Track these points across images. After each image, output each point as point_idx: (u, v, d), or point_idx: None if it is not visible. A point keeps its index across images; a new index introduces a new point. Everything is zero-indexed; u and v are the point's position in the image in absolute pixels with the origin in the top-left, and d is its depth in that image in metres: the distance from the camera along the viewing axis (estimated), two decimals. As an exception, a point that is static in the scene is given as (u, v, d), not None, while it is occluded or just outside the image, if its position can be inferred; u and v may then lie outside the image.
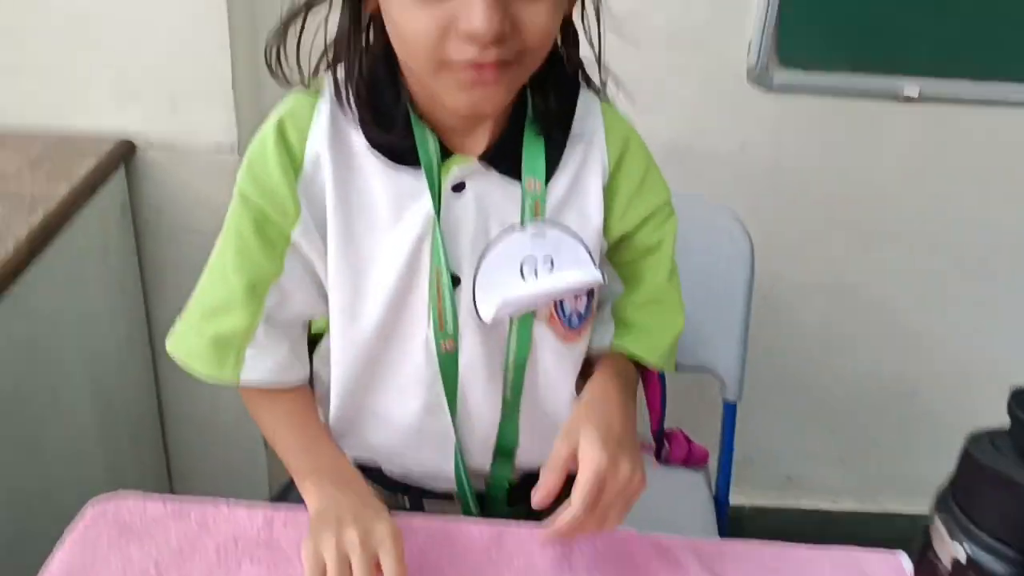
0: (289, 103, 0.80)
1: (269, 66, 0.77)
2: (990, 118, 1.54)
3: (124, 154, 1.39)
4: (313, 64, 0.79)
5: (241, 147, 1.42)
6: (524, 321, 0.82)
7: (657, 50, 1.45)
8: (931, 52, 1.47)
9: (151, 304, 1.54)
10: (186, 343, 0.83)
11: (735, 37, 1.48)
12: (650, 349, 0.89)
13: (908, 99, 1.50)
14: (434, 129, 0.77)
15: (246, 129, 1.45)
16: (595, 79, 0.85)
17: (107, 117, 1.39)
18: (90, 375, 1.35)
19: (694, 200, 1.16)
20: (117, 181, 1.38)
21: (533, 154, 0.79)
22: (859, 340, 1.77)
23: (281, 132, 0.77)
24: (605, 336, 0.89)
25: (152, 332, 1.56)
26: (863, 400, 1.83)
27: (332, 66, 0.78)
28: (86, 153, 1.32)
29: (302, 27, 0.75)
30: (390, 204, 0.78)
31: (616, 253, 0.88)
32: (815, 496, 1.94)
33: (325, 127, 0.77)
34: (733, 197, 1.42)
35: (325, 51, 0.78)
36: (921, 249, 1.68)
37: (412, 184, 0.77)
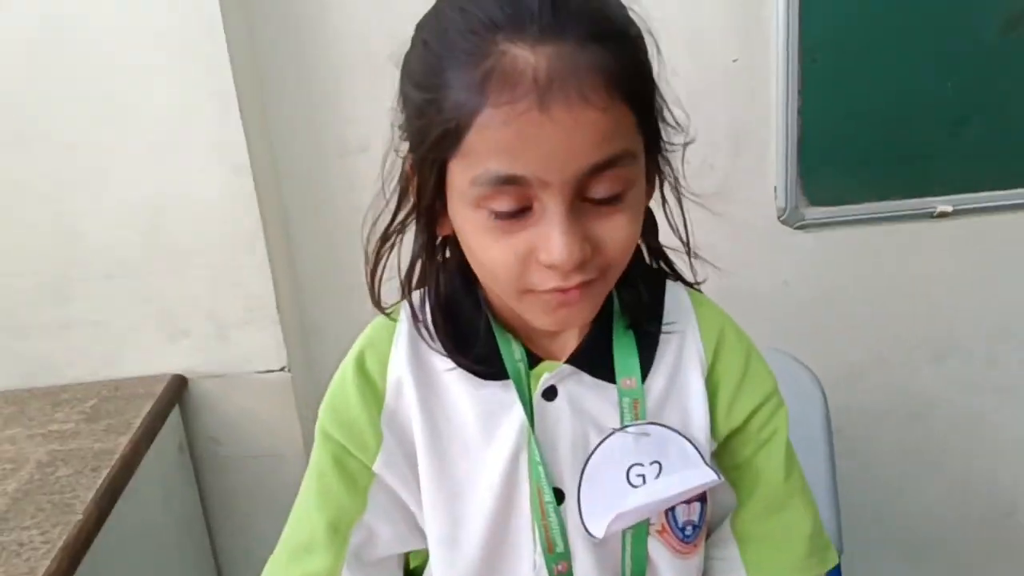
0: (369, 332, 0.79)
1: (376, 304, 0.77)
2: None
3: (177, 390, 1.39)
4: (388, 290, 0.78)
5: (292, 366, 1.42)
6: (638, 535, 0.76)
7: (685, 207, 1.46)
8: (956, 168, 1.47)
9: (215, 535, 1.51)
10: None
11: (760, 181, 1.49)
12: (781, 566, 0.80)
13: (943, 215, 1.50)
14: (518, 335, 0.75)
15: (295, 347, 1.46)
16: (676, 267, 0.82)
17: (157, 357, 1.40)
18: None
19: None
20: (173, 420, 1.37)
21: (625, 352, 0.76)
22: (943, 462, 1.70)
23: (360, 364, 0.76)
24: (728, 561, 0.82)
25: (219, 564, 1.52)
26: (959, 524, 1.74)
27: (407, 290, 0.77)
28: (141, 396, 1.33)
29: (377, 258, 0.75)
30: (480, 421, 0.75)
31: (725, 455, 0.82)
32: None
33: (405, 351, 0.76)
34: (783, 337, 1.39)
35: (405, 278, 0.77)
36: (985, 356, 1.63)
37: (501, 397, 0.74)
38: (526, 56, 0.57)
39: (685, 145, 0.73)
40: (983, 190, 1.49)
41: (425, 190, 0.66)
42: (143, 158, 1.31)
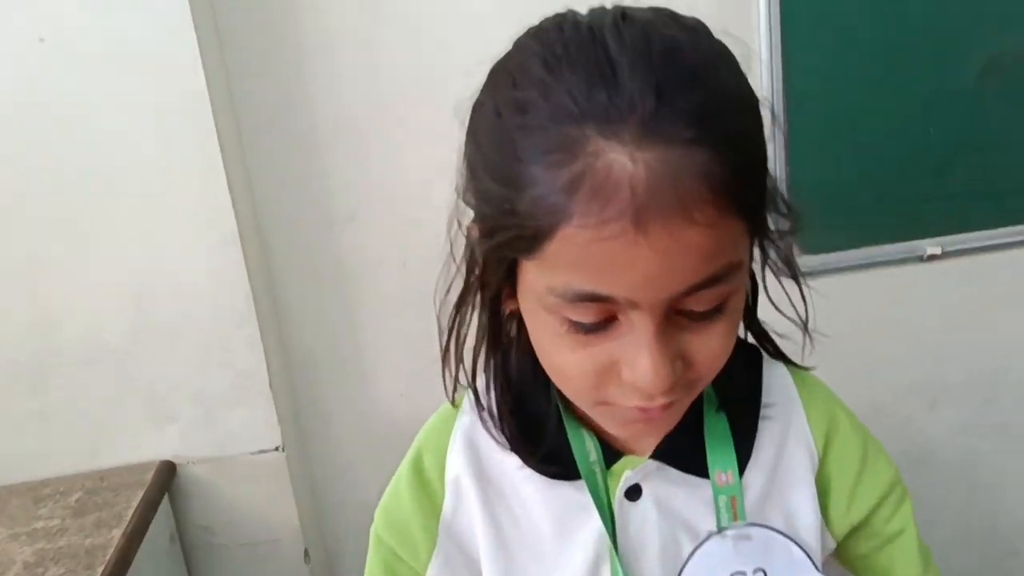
0: (430, 424, 0.72)
1: (450, 391, 0.69)
2: (1016, 259, 1.55)
3: (166, 477, 1.32)
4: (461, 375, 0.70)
5: (286, 444, 1.36)
6: None
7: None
8: (943, 211, 1.50)
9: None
10: None
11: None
12: None
13: (932, 257, 1.51)
14: (592, 428, 0.66)
15: (288, 424, 1.40)
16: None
17: (143, 444, 1.33)
18: None
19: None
20: (163, 510, 1.30)
21: (719, 443, 0.66)
22: (944, 506, 1.69)
23: (417, 465, 0.69)
24: None
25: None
26: (961, 568, 1.72)
27: (472, 375, 0.68)
28: (129, 486, 1.26)
29: (449, 335, 0.67)
30: (554, 526, 0.66)
31: (848, 547, 0.72)
32: None
33: (463, 446, 0.68)
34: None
35: (471, 362, 0.69)
36: (980, 398, 1.63)
37: (577, 498, 0.65)
38: (623, 163, 0.47)
39: (792, 230, 0.63)
40: (971, 231, 1.51)
41: (491, 278, 0.58)
42: (125, 233, 1.26)
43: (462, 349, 0.66)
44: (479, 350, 0.66)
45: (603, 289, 0.50)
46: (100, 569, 1.07)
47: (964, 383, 1.62)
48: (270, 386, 1.33)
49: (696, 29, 0.53)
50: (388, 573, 0.70)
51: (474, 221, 0.58)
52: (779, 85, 1.41)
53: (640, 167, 0.47)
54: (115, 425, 1.33)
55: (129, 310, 1.29)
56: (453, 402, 0.70)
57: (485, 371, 0.67)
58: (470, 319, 0.64)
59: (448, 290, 0.64)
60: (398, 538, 0.69)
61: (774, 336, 0.71)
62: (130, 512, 1.19)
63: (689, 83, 0.48)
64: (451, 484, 0.68)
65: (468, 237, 0.60)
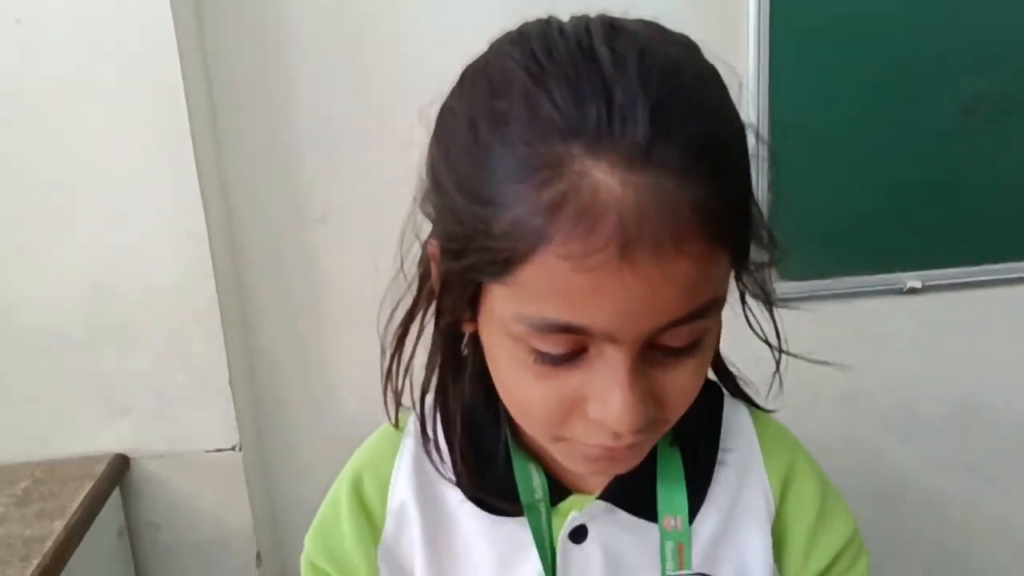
0: (368, 446, 0.68)
1: (395, 424, 0.65)
2: (994, 297, 1.53)
3: (118, 471, 1.29)
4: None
5: (243, 445, 1.33)
6: None
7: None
8: (924, 244, 1.48)
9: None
10: None
11: (728, 257, 1.48)
12: None
13: (912, 290, 1.50)
14: (540, 462, 0.62)
15: (247, 425, 1.37)
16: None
17: (96, 436, 1.31)
18: None
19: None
20: (113, 504, 1.27)
21: (671, 484, 0.62)
22: (913, 542, 1.66)
23: (356, 489, 0.65)
24: None
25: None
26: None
27: (420, 399, 0.64)
28: (78, 478, 1.23)
29: (391, 357, 0.63)
30: (494, 564, 0.62)
31: None
32: None
33: (410, 473, 0.64)
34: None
35: (423, 389, 0.64)
36: (955, 435, 1.61)
37: (520, 536, 0.61)
38: (611, 186, 0.43)
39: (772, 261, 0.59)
40: (951, 266, 1.49)
41: (450, 303, 0.54)
42: (89, 222, 1.24)
43: (408, 369, 0.62)
44: (430, 374, 0.62)
45: (580, 320, 0.46)
46: (36, 561, 1.04)
47: (938, 418, 1.60)
48: (230, 384, 1.30)
49: (688, 46, 0.50)
50: None
51: (434, 236, 0.54)
52: (765, 111, 1.39)
53: (629, 192, 0.43)
54: (69, 416, 1.30)
55: (89, 300, 1.26)
56: (396, 424, 0.66)
57: (434, 396, 0.63)
58: (418, 339, 0.61)
59: (397, 306, 0.60)
60: (336, 565, 0.64)
61: (736, 374, 0.68)
62: (75, 504, 1.17)
63: (686, 108, 0.45)
64: (394, 512, 0.64)
65: (426, 253, 0.57)
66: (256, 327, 1.42)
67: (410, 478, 0.64)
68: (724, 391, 0.68)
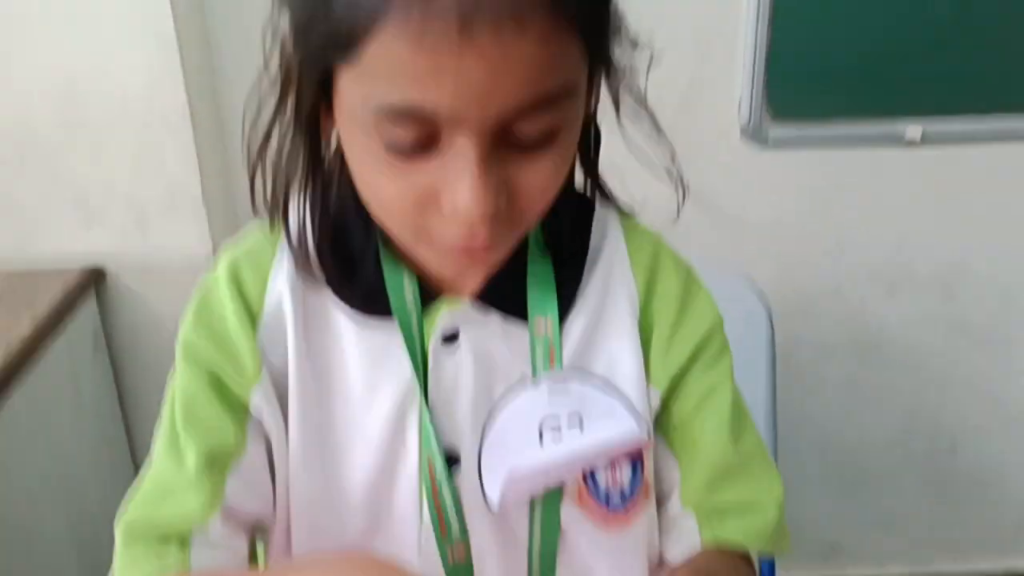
0: (248, 240, 0.64)
1: (268, 214, 0.62)
2: (998, 154, 1.47)
3: (93, 281, 1.30)
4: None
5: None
6: (550, 503, 0.62)
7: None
8: (929, 91, 1.41)
9: (134, 433, 1.45)
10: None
11: (724, 95, 1.42)
12: (747, 531, 0.65)
13: (911, 143, 1.44)
14: (413, 267, 0.61)
15: (221, 240, 1.37)
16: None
17: (72, 243, 1.31)
18: (69, 511, 1.25)
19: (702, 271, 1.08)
20: (87, 311, 1.29)
21: (541, 288, 0.62)
22: (889, 396, 1.68)
23: (235, 276, 0.62)
24: (680, 541, 0.66)
25: (137, 462, 1.46)
26: (901, 459, 1.73)
27: (283, 206, 0.61)
28: (51, 284, 1.24)
29: (258, 158, 0.60)
30: (365, 369, 0.61)
31: (668, 417, 0.66)
32: (862, 563, 1.82)
33: (288, 272, 0.62)
34: (738, 259, 1.34)
35: (285, 191, 0.61)
36: (941, 293, 1.59)
37: (391, 341, 0.61)
38: None
39: (648, 66, 0.58)
40: (955, 114, 1.42)
41: (305, 94, 0.53)
42: (55, 26, 1.20)
43: (277, 172, 0.60)
44: (292, 176, 0.59)
45: (422, 102, 0.46)
46: (2, 354, 1.06)
47: (925, 274, 1.58)
48: (202, 197, 1.30)
49: None
50: (213, 390, 0.60)
51: (287, 25, 0.53)
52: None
53: None
54: (43, 225, 1.31)
55: (59, 105, 1.24)
56: (272, 226, 0.63)
57: (301, 200, 0.61)
58: (286, 143, 0.58)
59: (259, 110, 0.57)
60: (223, 351, 0.61)
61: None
62: (48, 305, 1.18)
63: None
64: (271, 304, 0.61)
65: (282, 48, 0.55)
66: (232, 138, 1.39)
67: (289, 275, 0.62)
68: (595, 204, 0.67)
